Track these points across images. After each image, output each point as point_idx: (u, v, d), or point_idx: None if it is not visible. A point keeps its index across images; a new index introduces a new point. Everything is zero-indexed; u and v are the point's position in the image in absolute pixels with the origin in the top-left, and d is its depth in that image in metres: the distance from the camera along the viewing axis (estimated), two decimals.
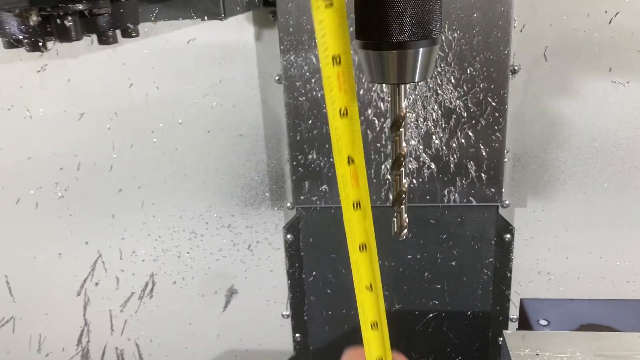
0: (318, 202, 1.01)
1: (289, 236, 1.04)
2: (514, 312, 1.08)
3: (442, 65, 0.91)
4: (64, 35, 0.40)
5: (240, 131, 1.07)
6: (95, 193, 1.12)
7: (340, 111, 0.44)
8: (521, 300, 0.84)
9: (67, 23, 0.39)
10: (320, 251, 1.04)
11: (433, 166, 0.97)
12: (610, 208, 1.06)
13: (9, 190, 1.13)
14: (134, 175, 1.11)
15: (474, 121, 0.93)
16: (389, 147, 0.96)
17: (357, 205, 0.47)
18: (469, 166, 0.96)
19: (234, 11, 0.80)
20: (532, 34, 0.96)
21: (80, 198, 1.13)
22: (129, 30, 0.50)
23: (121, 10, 0.45)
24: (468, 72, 0.91)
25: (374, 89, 0.92)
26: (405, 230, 0.50)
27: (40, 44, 0.41)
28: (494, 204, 0.98)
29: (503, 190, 0.97)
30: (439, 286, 1.05)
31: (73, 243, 1.17)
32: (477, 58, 0.90)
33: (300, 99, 0.95)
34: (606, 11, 0.94)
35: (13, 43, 0.41)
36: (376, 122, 0.94)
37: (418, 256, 1.04)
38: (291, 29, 0.91)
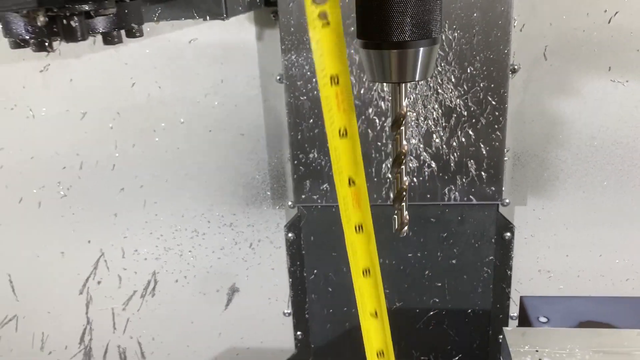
0: (319, 201, 1.01)
1: (290, 235, 1.04)
2: (514, 310, 1.08)
3: (442, 64, 0.92)
4: (70, 36, 0.41)
5: (241, 130, 1.08)
6: (98, 192, 1.13)
7: (339, 131, 0.44)
8: (521, 297, 0.85)
9: (73, 23, 0.40)
10: (321, 249, 1.05)
11: (433, 165, 0.97)
12: (609, 206, 1.06)
13: (12, 189, 1.14)
14: (136, 175, 1.11)
15: (474, 120, 0.94)
16: (390, 146, 0.96)
17: (360, 228, 0.46)
18: (469, 165, 0.97)
19: (235, 11, 0.80)
20: (532, 34, 0.97)
21: (83, 197, 1.14)
22: (133, 31, 0.50)
23: (126, 11, 0.45)
24: (468, 71, 0.92)
25: (374, 88, 0.93)
26: (406, 228, 0.51)
27: (47, 43, 0.41)
28: (494, 203, 0.99)
29: (503, 188, 0.97)
30: (440, 284, 1.06)
31: (75, 242, 1.17)
32: (477, 57, 0.91)
33: (302, 98, 0.95)
34: (605, 11, 0.95)
35: (19, 43, 0.42)
36: (377, 121, 0.95)
37: (419, 254, 1.04)
38: (292, 29, 0.92)
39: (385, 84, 0.87)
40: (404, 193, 0.49)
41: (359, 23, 0.47)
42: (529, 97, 1.01)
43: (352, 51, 0.91)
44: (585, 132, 1.02)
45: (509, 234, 1.01)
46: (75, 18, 0.39)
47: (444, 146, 0.96)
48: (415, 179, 0.98)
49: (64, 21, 0.39)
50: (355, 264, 0.47)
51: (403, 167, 0.49)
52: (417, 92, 0.93)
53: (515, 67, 0.97)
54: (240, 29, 1.01)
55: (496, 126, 0.94)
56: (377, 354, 0.48)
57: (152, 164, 1.10)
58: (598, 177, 1.05)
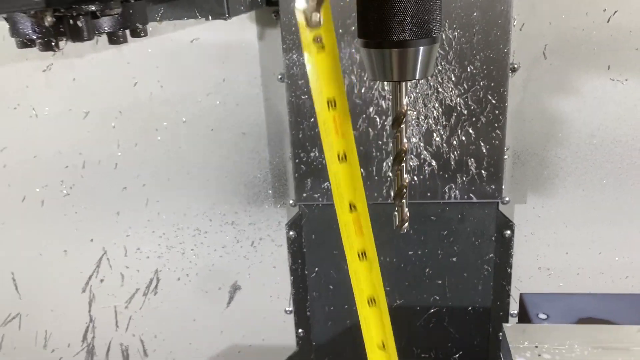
0: (320, 199, 1.02)
1: (291, 233, 1.05)
2: (514, 308, 1.09)
3: (442, 63, 0.92)
4: (76, 35, 0.42)
5: (243, 129, 1.08)
6: (100, 191, 1.14)
7: (338, 156, 0.43)
8: (521, 294, 0.86)
9: (79, 23, 0.40)
10: (322, 248, 1.05)
11: (434, 163, 0.98)
12: (609, 204, 1.07)
13: (15, 188, 1.15)
14: (138, 173, 1.12)
15: (474, 119, 0.94)
16: (390, 144, 0.97)
17: (363, 255, 0.45)
18: (470, 163, 0.97)
19: (237, 11, 0.81)
20: (531, 33, 0.97)
21: (86, 196, 1.14)
22: (138, 30, 0.51)
23: (130, 11, 0.46)
24: (468, 70, 0.92)
25: (375, 87, 0.94)
26: (406, 224, 0.51)
27: (53, 43, 0.42)
28: (494, 201, 0.99)
29: (503, 187, 0.98)
30: (440, 282, 1.06)
31: (78, 240, 1.18)
32: (477, 56, 0.91)
33: (303, 97, 0.96)
34: (605, 10, 0.95)
35: (26, 43, 0.43)
36: (377, 119, 0.96)
37: (419, 252, 1.05)
38: (293, 28, 0.92)
39: (386, 82, 0.88)
40: (405, 190, 0.50)
41: (360, 22, 0.47)
42: (528, 95, 1.01)
43: (353, 50, 0.92)
44: (584, 130, 1.03)
45: (509, 231, 1.01)
46: (82, 18, 0.40)
47: (444, 145, 0.96)
48: (415, 178, 0.99)
49: (71, 21, 0.40)
50: (360, 293, 0.46)
51: (403, 164, 0.49)
52: (417, 90, 0.94)
53: (515, 66, 0.98)
54: (241, 29, 1.02)
55: (496, 125, 0.95)
56: None
57: (155, 163, 1.11)
58: (597, 175, 1.06)
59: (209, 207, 1.14)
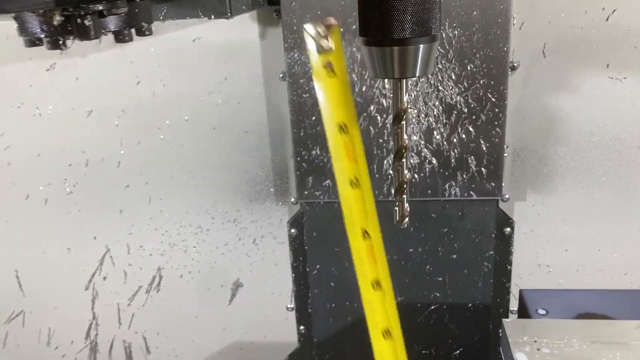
0: (321, 197, 1.02)
1: (293, 230, 1.05)
2: (514, 305, 1.09)
3: (442, 62, 0.93)
4: (84, 34, 0.43)
5: (245, 128, 1.09)
6: (103, 189, 1.14)
7: (350, 181, 0.42)
8: (520, 290, 0.86)
9: (86, 22, 0.41)
10: (323, 245, 1.06)
11: (434, 161, 0.98)
12: (608, 202, 1.08)
13: (19, 186, 1.15)
14: (141, 172, 1.13)
15: (474, 117, 0.95)
16: (391, 142, 0.97)
17: (377, 284, 0.43)
18: (470, 161, 0.98)
19: (239, 10, 0.82)
20: (531, 32, 0.98)
21: (89, 194, 1.15)
22: (143, 29, 0.52)
23: (136, 10, 0.47)
24: (468, 68, 0.93)
25: (376, 85, 0.94)
26: (407, 219, 0.52)
27: (60, 42, 0.43)
28: (494, 198, 1.00)
29: (503, 184, 0.98)
30: (440, 279, 1.07)
31: (81, 238, 1.19)
32: (477, 55, 0.92)
33: (304, 95, 0.97)
34: (603, 8, 0.96)
35: (34, 41, 0.44)
36: (378, 118, 0.96)
37: (420, 249, 1.05)
38: (295, 27, 0.93)
39: (386, 80, 0.88)
40: (405, 186, 0.51)
41: (361, 21, 0.48)
42: (528, 94, 1.02)
43: (354, 49, 0.93)
44: (584, 128, 1.03)
45: (508, 229, 1.02)
46: (89, 17, 0.41)
47: (445, 142, 0.97)
48: (416, 175, 0.99)
49: (78, 20, 0.41)
50: (374, 325, 0.44)
51: (404, 160, 0.50)
52: (418, 89, 0.94)
53: (515, 64, 0.98)
54: (243, 28, 1.02)
55: (496, 123, 0.95)
56: None
57: (157, 161, 1.12)
58: (597, 172, 1.06)
59: (211, 205, 1.15)
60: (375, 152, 0.98)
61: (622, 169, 1.06)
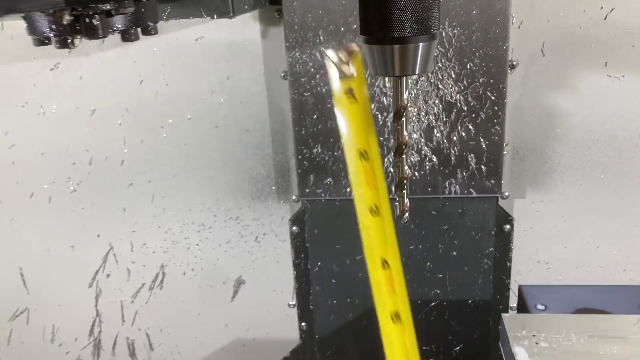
0: (323, 195, 1.03)
1: (294, 228, 1.06)
2: (513, 301, 1.10)
3: (442, 60, 0.94)
4: (92, 33, 0.44)
5: (247, 126, 1.10)
6: (107, 187, 1.15)
7: (370, 209, 0.41)
8: (519, 286, 0.87)
9: (94, 22, 0.42)
10: (325, 242, 1.07)
11: (434, 159, 0.99)
12: (607, 199, 1.08)
13: (23, 184, 1.16)
14: (144, 170, 1.14)
15: (474, 115, 0.96)
16: (392, 141, 0.98)
17: (396, 317, 0.41)
18: (470, 159, 0.99)
19: (242, 10, 0.83)
20: (529, 30, 0.99)
21: (92, 192, 1.16)
22: (149, 28, 0.53)
23: (142, 10, 0.48)
24: (468, 67, 0.94)
25: (376, 84, 0.95)
26: (407, 214, 0.53)
27: (69, 41, 0.44)
28: (493, 196, 1.01)
29: (502, 182, 0.99)
30: (441, 276, 1.08)
31: (85, 236, 1.20)
32: (477, 54, 0.93)
33: (305, 94, 0.97)
34: (602, 7, 0.97)
35: (43, 40, 0.45)
36: (379, 116, 0.97)
37: (420, 246, 1.06)
38: (296, 27, 0.94)
39: (387, 78, 0.89)
40: (405, 181, 0.52)
41: (362, 20, 0.49)
42: (527, 92, 1.03)
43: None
44: (582, 126, 1.04)
45: (508, 226, 1.02)
46: (97, 17, 0.42)
47: (445, 140, 0.98)
48: (416, 173, 1.00)
49: (87, 19, 0.42)
50: (392, 359, 0.42)
51: (404, 156, 0.51)
52: (418, 87, 0.95)
53: (514, 63, 0.99)
54: (245, 28, 1.03)
55: (495, 121, 0.96)
56: None
57: (160, 160, 1.13)
58: (595, 170, 1.07)
59: (214, 203, 1.16)
60: None
61: (621, 166, 1.06)
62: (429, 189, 1.01)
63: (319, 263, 1.08)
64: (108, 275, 1.23)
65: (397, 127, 0.51)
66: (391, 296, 0.41)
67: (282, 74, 1.01)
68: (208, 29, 1.04)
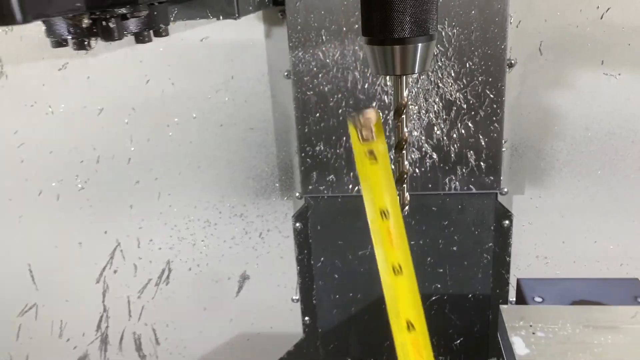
0: (325, 192, 1.04)
1: (298, 224, 1.07)
2: (513, 295, 1.11)
3: (442, 59, 0.95)
4: (108, 35, 0.46)
5: (251, 125, 1.11)
6: (114, 185, 1.17)
7: (393, 268, 0.41)
8: (518, 279, 0.89)
9: (111, 24, 0.44)
10: (327, 238, 1.08)
11: (435, 156, 1.00)
12: (604, 195, 1.10)
13: (32, 182, 1.18)
14: (150, 168, 1.15)
15: (473, 113, 0.97)
16: (392, 138, 1.00)
17: None
18: (469, 156, 1.00)
19: (246, 11, 0.85)
20: (527, 30, 1.00)
21: (100, 190, 1.18)
22: (160, 30, 0.55)
23: (155, 12, 0.50)
24: (467, 66, 0.95)
25: (378, 83, 0.97)
26: (407, 207, 0.55)
27: (86, 43, 0.46)
28: (493, 192, 1.02)
29: (501, 178, 1.00)
30: (441, 270, 1.09)
31: (93, 232, 1.21)
32: (476, 53, 0.94)
33: (308, 93, 0.99)
34: (598, 7, 0.98)
35: (60, 42, 0.47)
36: (381, 114, 0.99)
37: (421, 242, 1.07)
38: (299, 27, 0.95)
39: (387, 77, 0.91)
40: (405, 176, 0.54)
41: (364, 22, 0.51)
42: (525, 90, 1.04)
43: (357, 47, 0.95)
44: (579, 123, 1.05)
45: (507, 221, 1.03)
46: (113, 20, 0.44)
47: (445, 138, 0.99)
48: (417, 170, 1.01)
49: (103, 22, 0.44)
50: None
51: (404, 151, 0.53)
52: (418, 86, 0.97)
53: (512, 61, 1.00)
54: (249, 28, 1.04)
55: (494, 118, 0.97)
56: None
57: (166, 158, 1.14)
58: (593, 166, 1.08)
59: (219, 200, 1.17)
60: None
61: (618, 162, 1.07)
62: (430, 186, 1.02)
63: (322, 258, 1.10)
64: (115, 271, 1.24)
65: (397, 123, 0.53)
66: None
67: (286, 73, 1.03)
68: (213, 30, 1.05)
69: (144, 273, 1.24)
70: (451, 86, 0.96)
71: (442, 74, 0.96)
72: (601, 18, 0.99)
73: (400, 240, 0.41)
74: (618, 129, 1.05)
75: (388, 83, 0.96)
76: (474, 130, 0.98)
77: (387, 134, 0.99)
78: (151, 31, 0.54)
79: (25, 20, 0.29)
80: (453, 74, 0.95)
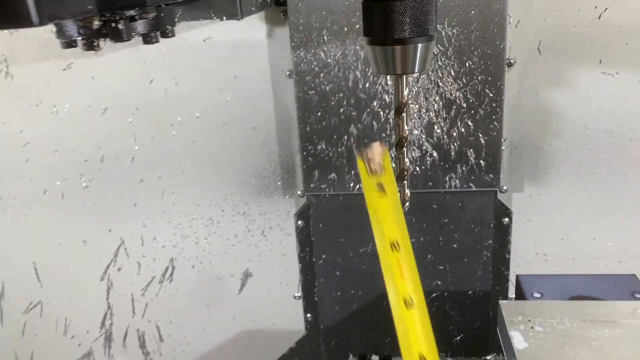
0: (327, 190, 1.05)
1: (299, 222, 1.08)
2: (512, 292, 1.12)
3: (442, 59, 0.96)
4: (117, 36, 0.47)
5: (253, 124, 1.12)
6: (118, 183, 1.18)
7: (405, 301, 0.40)
8: (517, 275, 0.90)
9: (120, 26, 0.46)
10: (329, 236, 1.09)
11: (435, 154, 1.01)
12: (602, 192, 1.10)
13: (37, 181, 1.19)
14: (154, 166, 1.16)
15: (473, 111, 0.98)
16: (393, 137, 1.01)
17: None
18: (469, 154, 1.01)
19: (249, 11, 0.86)
20: (526, 29, 1.01)
21: (104, 188, 1.19)
22: (167, 31, 0.56)
23: (162, 14, 0.51)
24: (467, 65, 0.96)
25: (378, 82, 0.98)
26: (408, 203, 0.57)
27: (95, 44, 0.48)
28: (492, 189, 1.03)
29: (501, 176, 1.01)
30: (442, 267, 1.10)
31: (97, 231, 1.22)
32: (475, 52, 0.95)
33: (310, 92, 1.00)
34: (596, 7, 0.99)
35: (70, 43, 0.48)
36: (381, 113, 1.00)
37: (421, 239, 1.08)
38: (301, 27, 0.96)
39: (388, 76, 0.92)
40: (406, 173, 0.55)
41: (365, 23, 0.52)
42: (524, 89, 1.05)
43: (358, 47, 0.96)
44: (578, 122, 1.06)
45: (507, 219, 1.04)
46: (122, 21, 0.45)
47: (445, 136, 1.00)
48: (417, 168, 1.02)
49: (112, 24, 0.45)
50: None
51: (405, 149, 0.55)
52: (419, 85, 0.97)
53: (511, 61, 1.01)
54: (251, 28, 1.05)
55: (494, 117, 0.98)
56: None
57: (170, 157, 1.15)
58: (591, 164, 1.09)
59: (222, 198, 1.18)
60: None
61: (615, 160, 1.08)
62: (430, 184, 1.03)
63: (324, 256, 1.11)
64: (119, 269, 1.25)
65: (398, 122, 0.54)
66: None
67: (288, 73, 1.04)
68: (216, 30, 1.06)
69: (148, 271, 1.25)
70: (451, 85, 0.97)
71: (442, 73, 0.97)
72: (599, 18, 1.00)
73: (411, 273, 0.41)
74: (616, 127, 1.06)
75: (389, 82, 0.97)
76: (473, 129, 0.99)
77: (388, 132, 1.01)
78: (158, 32, 0.55)
79: (41, 22, 0.30)
80: (453, 74, 0.97)
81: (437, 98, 0.98)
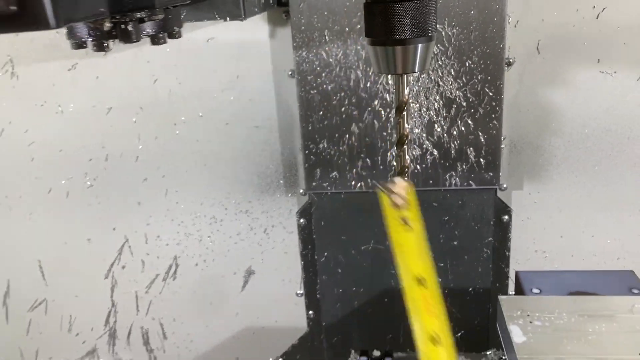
0: (329, 188, 1.06)
1: (302, 220, 1.09)
2: (512, 288, 1.12)
3: (442, 58, 0.97)
4: (126, 38, 0.49)
5: (256, 123, 1.13)
6: (122, 182, 1.19)
7: (431, 338, 0.38)
8: (516, 272, 0.92)
9: (129, 28, 0.47)
10: (331, 234, 1.10)
11: (435, 152, 1.02)
12: (601, 190, 1.11)
13: (42, 180, 1.20)
14: (158, 165, 1.17)
15: (472, 110, 0.99)
16: (394, 135, 1.01)
17: None
18: (469, 152, 1.01)
19: (252, 12, 0.87)
20: (525, 29, 1.02)
21: (108, 187, 1.20)
22: (174, 32, 0.58)
23: (170, 16, 0.53)
24: (466, 64, 0.97)
25: (379, 81, 0.99)
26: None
27: (105, 45, 0.49)
28: (492, 187, 1.03)
29: (500, 174, 1.02)
30: (442, 265, 1.10)
31: (101, 229, 1.23)
32: (475, 52, 0.96)
33: (312, 92, 1.01)
34: (594, 7, 1.00)
35: (80, 44, 0.50)
36: (382, 112, 1.01)
37: None
38: (303, 27, 0.97)
39: (389, 76, 0.94)
40: (406, 170, 0.57)
41: (367, 23, 0.54)
42: (523, 88, 1.05)
43: (359, 47, 0.98)
44: (576, 120, 1.07)
45: (506, 216, 1.05)
46: (131, 23, 0.47)
47: (445, 135, 1.00)
48: (418, 166, 1.03)
49: (122, 26, 0.47)
50: None
51: (405, 147, 0.56)
52: (419, 84, 0.98)
53: (510, 60, 1.02)
54: (254, 28, 1.06)
55: (493, 116, 0.99)
56: None
57: (173, 156, 1.16)
58: (590, 162, 1.10)
59: (225, 197, 1.19)
60: (379, 144, 1.02)
61: (614, 159, 1.09)
62: (430, 182, 1.04)
63: (326, 253, 1.11)
64: (123, 267, 1.26)
65: (398, 120, 0.55)
66: None
67: (290, 73, 1.04)
68: (219, 30, 1.07)
69: (152, 268, 1.26)
70: (451, 84, 0.98)
71: (442, 73, 0.98)
72: (597, 17, 1.00)
73: (438, 309, 0.40)
74: (614, 125, 1.07)
75: (390, 82, 0.98)
76: (473, 128, 1.00)
77: (389, 130, 1.02)
78: (165, 33, 0.56)
79: (58, 25, 0.31)
80: (453, 73, 0.97)
81: (437, 97, 0.99)
